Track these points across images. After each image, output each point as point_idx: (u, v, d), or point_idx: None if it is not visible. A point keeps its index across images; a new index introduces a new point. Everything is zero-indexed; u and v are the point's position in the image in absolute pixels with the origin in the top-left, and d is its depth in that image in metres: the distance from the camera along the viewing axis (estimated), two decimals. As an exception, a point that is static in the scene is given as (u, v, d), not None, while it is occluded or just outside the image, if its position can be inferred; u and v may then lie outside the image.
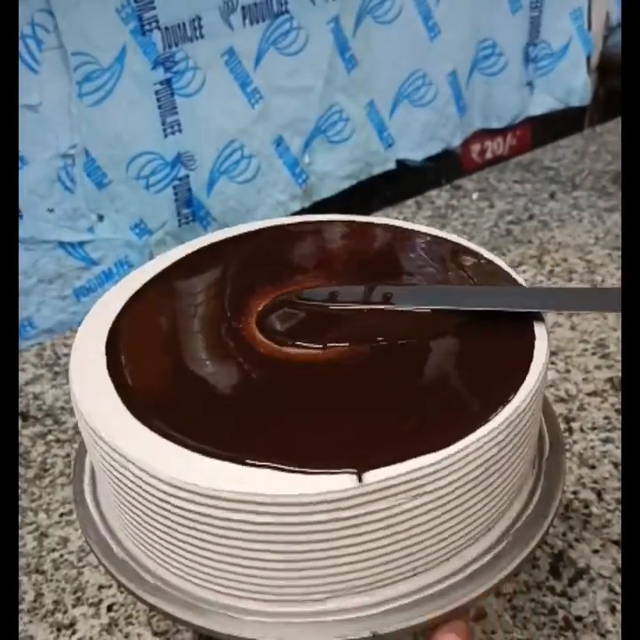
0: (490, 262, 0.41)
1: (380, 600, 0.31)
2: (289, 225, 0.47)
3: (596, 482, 0.54)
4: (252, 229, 0.46)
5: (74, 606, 0.49)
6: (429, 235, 0.44)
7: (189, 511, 0.29)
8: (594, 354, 0.66)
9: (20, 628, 0.48)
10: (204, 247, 0.44)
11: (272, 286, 0.40)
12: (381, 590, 0.31)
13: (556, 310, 0.37)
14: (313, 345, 0.35)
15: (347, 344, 0.35)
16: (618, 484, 0.53)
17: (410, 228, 0.45)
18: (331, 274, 0.41)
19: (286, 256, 0.43)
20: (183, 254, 0.43)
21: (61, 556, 0.53)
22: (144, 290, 0.40)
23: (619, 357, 0.65)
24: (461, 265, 0.41)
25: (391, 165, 0.94)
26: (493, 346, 0.35)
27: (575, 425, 0.59)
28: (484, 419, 0.30)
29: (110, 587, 0.50)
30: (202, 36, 0.73)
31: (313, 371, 0.34)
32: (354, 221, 0.47)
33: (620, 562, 0.48)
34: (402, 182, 0.95)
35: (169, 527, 0.30)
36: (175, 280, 0.41)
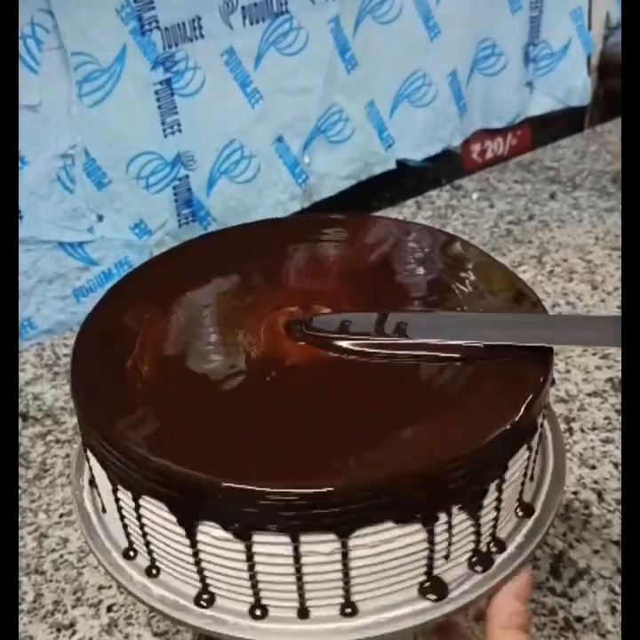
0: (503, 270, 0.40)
1: (376, 602, 0.31)
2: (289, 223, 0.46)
3: (596, 482, 0.54)
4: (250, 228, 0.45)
5: (74, 607, 0.49)
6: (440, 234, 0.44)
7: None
8: (594, 354, 0.66)
9: (20, 628, 0.48)
10: (204, 250, 0.44)
11: (277, 307, 0.38)
12: (379, 593, 0.31)
13: (566, 345, 0.35)
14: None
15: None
16: (618, 485, 0.53)
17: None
18: (338, 287, 0.40)
19: (289, 266, 0.42)
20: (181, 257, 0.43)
21: (61, 556, 0.53)
22: (143, 294, 0.40)
23: (619, 357, 0.65)
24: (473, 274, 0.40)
25: (391, 165, 0.93)
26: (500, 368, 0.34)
27: (575, 425, 0.59)
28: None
29: (110, 587, 0.50)
30: (202, 36, 0.73)
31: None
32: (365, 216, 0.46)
33: (620, 562, 0.48)
34: (402, 182, 0.95)
35: (166, 527, 0.30)
36: (176, 287, 0.40)
